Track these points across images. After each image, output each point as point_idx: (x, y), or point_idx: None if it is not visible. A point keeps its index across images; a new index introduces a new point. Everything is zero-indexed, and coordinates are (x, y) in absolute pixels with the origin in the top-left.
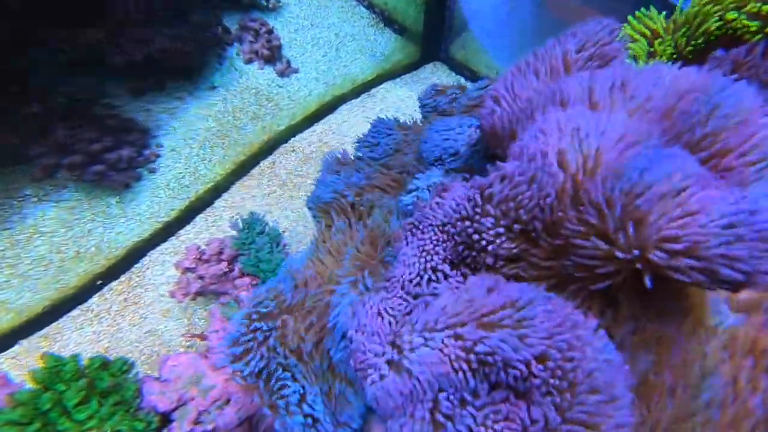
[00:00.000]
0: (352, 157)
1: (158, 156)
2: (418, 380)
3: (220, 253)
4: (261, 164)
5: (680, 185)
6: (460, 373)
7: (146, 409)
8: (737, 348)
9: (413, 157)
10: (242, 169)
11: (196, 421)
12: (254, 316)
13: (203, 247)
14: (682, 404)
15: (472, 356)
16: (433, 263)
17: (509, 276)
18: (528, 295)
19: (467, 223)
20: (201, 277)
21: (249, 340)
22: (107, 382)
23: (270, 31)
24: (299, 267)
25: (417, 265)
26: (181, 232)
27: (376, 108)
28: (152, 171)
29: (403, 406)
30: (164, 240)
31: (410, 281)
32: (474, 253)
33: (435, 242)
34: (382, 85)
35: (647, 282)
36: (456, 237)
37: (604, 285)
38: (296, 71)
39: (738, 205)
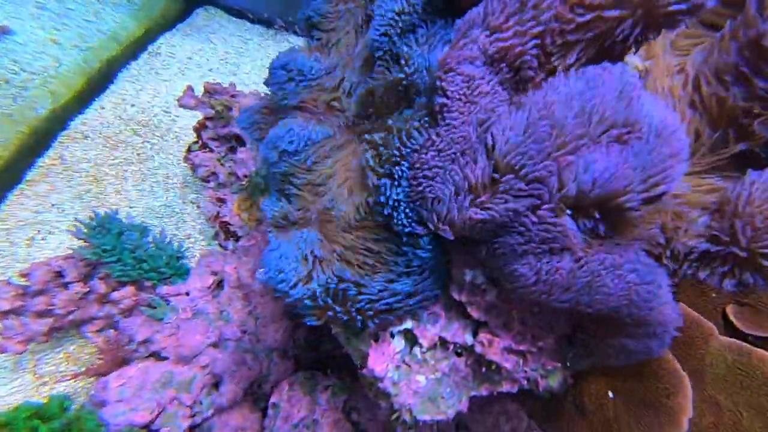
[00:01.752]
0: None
1: None
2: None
3: (59, 276)
4: (41, 163)
5: None
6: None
7: (122, 430)
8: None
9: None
10: (8, 177)
11: (192, 415)
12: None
13: (20, 281)
14: None
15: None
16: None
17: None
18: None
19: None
20: (43, 314)
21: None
22: (51, 426)
23: None
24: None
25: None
26: None
27: (171, 68)
28: None
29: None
30: None
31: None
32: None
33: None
34: (159, 40)
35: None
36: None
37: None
38: (7, 32)
39: None
